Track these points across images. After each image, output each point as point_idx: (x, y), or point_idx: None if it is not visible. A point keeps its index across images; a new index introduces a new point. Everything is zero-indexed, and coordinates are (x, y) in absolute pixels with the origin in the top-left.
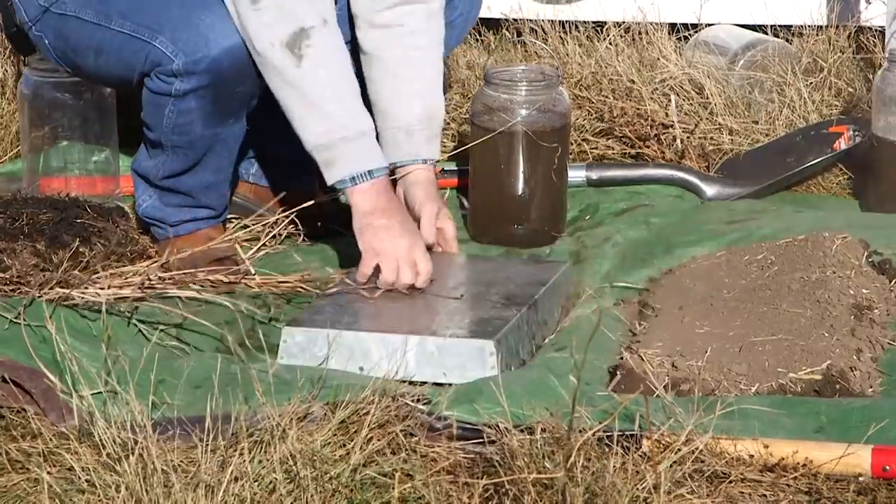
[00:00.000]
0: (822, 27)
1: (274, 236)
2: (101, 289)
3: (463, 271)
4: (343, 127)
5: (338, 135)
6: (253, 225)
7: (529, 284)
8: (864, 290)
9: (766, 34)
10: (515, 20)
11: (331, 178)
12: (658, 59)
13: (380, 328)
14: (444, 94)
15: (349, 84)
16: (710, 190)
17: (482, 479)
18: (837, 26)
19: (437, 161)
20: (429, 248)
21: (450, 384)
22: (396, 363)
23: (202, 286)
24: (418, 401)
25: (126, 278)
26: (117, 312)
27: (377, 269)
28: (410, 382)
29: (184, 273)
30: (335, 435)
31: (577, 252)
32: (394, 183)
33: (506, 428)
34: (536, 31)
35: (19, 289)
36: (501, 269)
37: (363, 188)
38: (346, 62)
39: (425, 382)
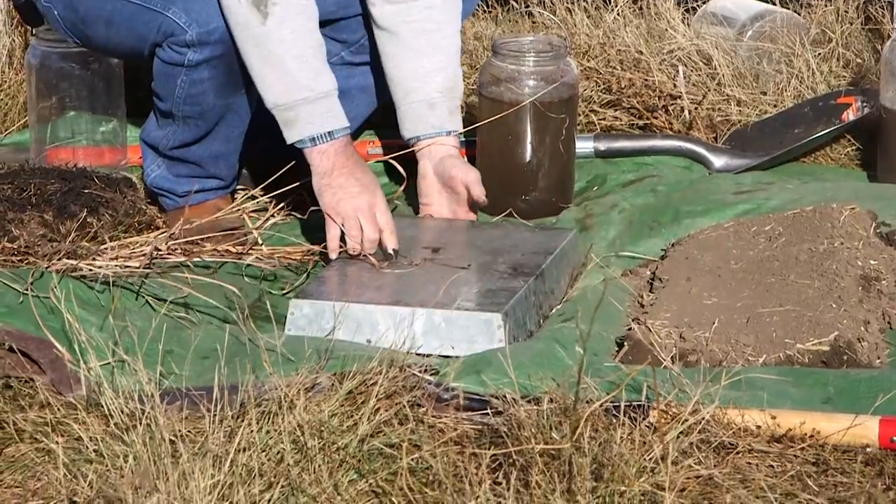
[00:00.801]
0: None
1: (282, 207)
2: (111, 259)
3: (469, 239)
4: (305, 87)
5: (299, 95)
6: (261, 196)
7: (536, 253)
8: (872, 262)
9: (775, 5)
10: None
11: (290, 137)
12: (666, 29)
13: (387, 300)
14: None
15: (314, 44)
16: (717, 161)
17: (489, 449)
18: None
19: (461, 133)
20: (480, 210)
21: (457, 356)
22: (404, 335)
23: (210, 257)
24: (426, 371)
25: (133, 249)
26: (125, 284)
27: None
28: (418, 353)
29: (191, 243)
30: (342, 406)
31: (583, 220)
32: (389, 156)
33: (513, 399)
34: (544, 2)
35: (27, 259)
36: (508, 236)
37: (322, 148)
38: (312, 22)
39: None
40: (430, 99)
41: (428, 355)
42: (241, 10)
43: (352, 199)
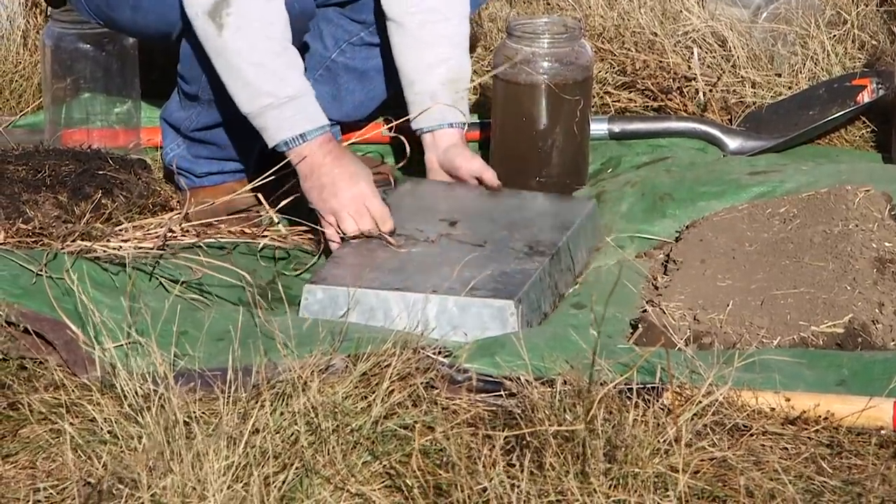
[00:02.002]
0: None
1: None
2: (125, 241)
3: (486, 210)
4: (267, 94)
5: (264, 102)
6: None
7: (553, 228)
8: (887, 244)
9: None
10: None
11: (268, 142)
12: (681, 11)
13: (401, 285)
14: (471, 52)
15: (275, 48)
16: (732, 143)
17: (503, 431)
18: None
19: (465, 123)
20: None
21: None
22: (417, 322)
23: (224, 237)
24: (439, 353)
25: (148, 230)
26: (139, 266)
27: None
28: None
29: (205, 224)
30: (356, 387)
31: (597, 196)
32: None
33: (527, 381)
34: None
35: (42, 240)
36: (526, 207)
37: (299, 151)
38: (271, 27)
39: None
40: (433, 91)
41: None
42: (199, 24)
43: (335, 198)
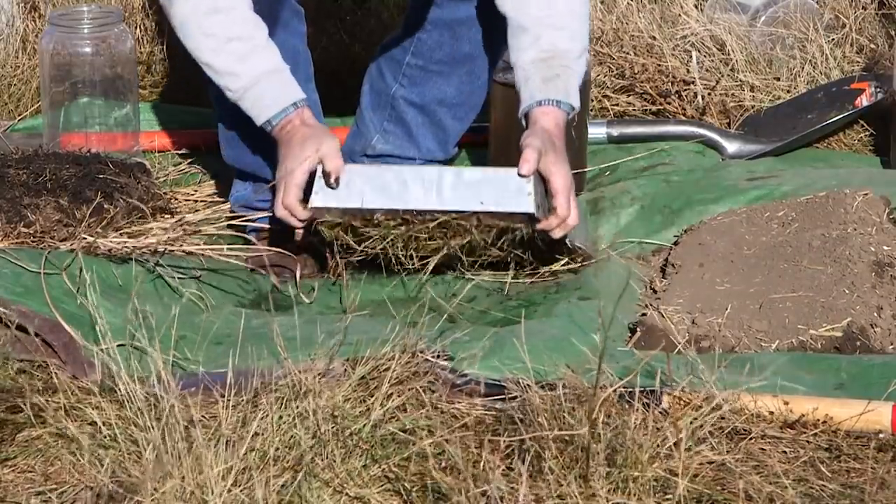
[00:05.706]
0: None
1: None
2: (130, 237)
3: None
4: (225, 88)
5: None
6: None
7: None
8: (886, 248)
9: None
10: None
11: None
12: (679, 15)
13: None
14: None
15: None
16: (731, 146)
17: (504, 435)
18: None
19: (558, 100)
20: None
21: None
22: (433, 192)
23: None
24: (439, 357)
25: (152, 235)
26: (142, 261)
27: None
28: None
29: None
30: (356, 391)
31: (595, 201)
32: None
33: (527, 384)
34: None
35: (43, 243)
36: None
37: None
38: (206, 19)
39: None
40: (526, 74)
41: (442, 341)
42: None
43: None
